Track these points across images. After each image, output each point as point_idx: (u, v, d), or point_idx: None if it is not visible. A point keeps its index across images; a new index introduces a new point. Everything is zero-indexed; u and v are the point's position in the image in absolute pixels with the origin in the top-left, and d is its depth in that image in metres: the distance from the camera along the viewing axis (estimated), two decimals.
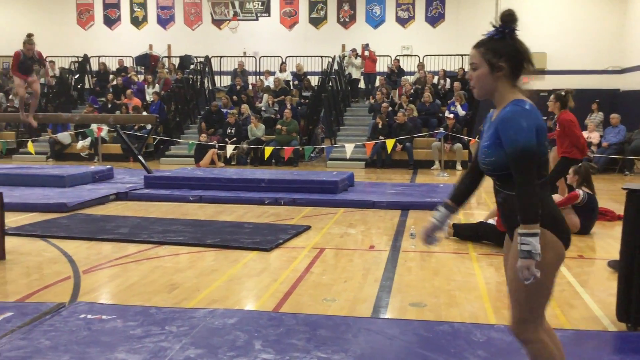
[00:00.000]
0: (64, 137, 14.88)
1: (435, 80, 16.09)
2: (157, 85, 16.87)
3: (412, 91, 15.41)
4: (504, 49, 2.20)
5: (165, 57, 19.46)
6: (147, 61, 18.78)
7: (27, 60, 9.38)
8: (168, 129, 15.29)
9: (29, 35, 9.24)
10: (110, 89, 16.90)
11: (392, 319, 3.93)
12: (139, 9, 20.91)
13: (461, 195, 2.54)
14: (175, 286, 4.63)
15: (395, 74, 16.83)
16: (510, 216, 2.27)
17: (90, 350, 3.15)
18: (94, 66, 19.13)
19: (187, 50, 19.08)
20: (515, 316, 2.29)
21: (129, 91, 16.29)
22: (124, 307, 3.90)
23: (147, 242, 6.01)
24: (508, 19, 2.21)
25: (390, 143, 12.48)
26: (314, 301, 4.28)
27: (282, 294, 4.44)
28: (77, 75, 18.48)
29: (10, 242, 5.73)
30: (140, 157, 10.85)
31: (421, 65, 16.54)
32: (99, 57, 19.13)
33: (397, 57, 17.47)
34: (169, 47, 19.93)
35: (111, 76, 18.16)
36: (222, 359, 3.11)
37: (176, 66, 18.67)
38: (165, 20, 20.65)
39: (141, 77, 17.86)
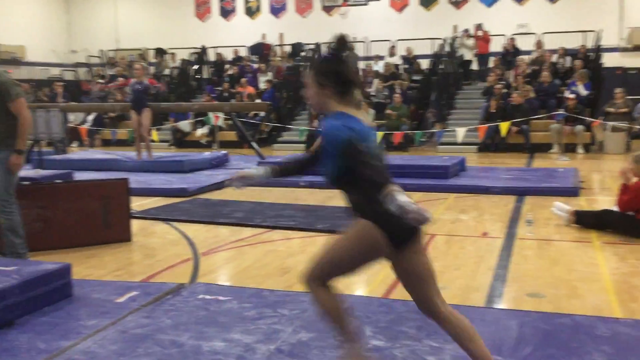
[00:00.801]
0: (185, 125, 15.63)
1: (554, 59, 15.26)
2: (269, 73, 17.26)
3: (528, 71, 14.71)
4: (330, 71, 2.48)
5: (277, 45, 19.86)
6: (261, 50, 19.25)
7: (138, 93, 9.92)
8: (280, 115, 15.62)
9: (131, 62, 9.76)
10: (226, 78, 17.51)
11: (508, 309, 3.79)
12: (252, 0, 21.46)
13: (290, 170, 2.82)
14: (287, 270, 4.72)
15: (510, 54, 16.13)
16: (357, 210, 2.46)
17: (208, 329, 3.29)
18: (211, 57, 19.91)
19: (299, 37, 19.35)
20: (310, 267, 2.53)
21: (243, 80, 16.80)
22: (239, 289, 4.04)
23: (260, 226, 6.19)
24: (340, 45, 2.60)
25: (504, 126, 12.01)
26: None
27: (392, 280, 4.39)
28: (197, 66, 19.31)
29: (136, 224, 6.11)
30: (253, 144, 11.18)
31: (539, 44, 15.74)
32: (216, 47, 19.85)
33: (513, 36, 16.73)
34: (281, 35, 20.30)
35: (227, 66, 18.80)
36: (333, 343, 3.13)
37: (288, 54, 19.00)
38: (277, 9, 21.04)
39: (255, 66, 18.36)
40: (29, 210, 5.17)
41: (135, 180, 8.59)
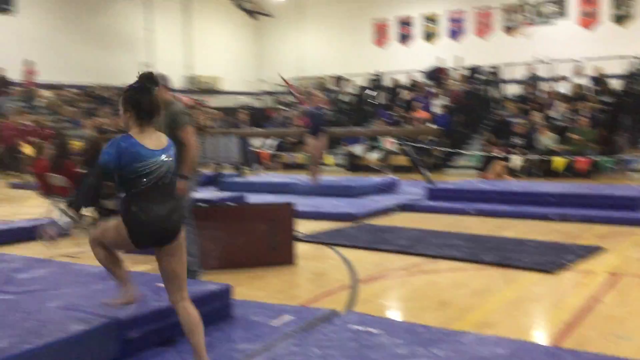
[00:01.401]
0: (358, 149, 15.89)
1: None
2: (444, 97, 16.97)
3: None
4: (131, 99, 2.99)
5: (454, 68, 19.51)
6: (436, 74, 19.04)
7: (315, 118, 10.23)
8: (454, 140, 15.25)
9: (308, 90, 10.04)
10: (401, 103, 17.53)
11: None
12: (431, 24, 21.36)
13: (88, 199, 3.56)
14: (446, 304, 4.50)
15: None
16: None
17: None
18: (387, 82, 20.11)
19: (477, 60, 18.83)
20: (95, 231, 3.26)
21: (417, 104, 16.69)
22: (392, 322, 3.91)
23: (423, 255, 6.00)
24: (144, 78, 3.12)
25: None
26: (602, 337, 3.75)
27: (564, 324, 3.98)
28: (373, 92, 19.61)
29: (301, 248, 6.24)
30: (422, 169, 10.98)
31: None
32: (391, 73, 20.02)
33: None
34: (459, 58, 19.94)
35: (401, 91, 18.84)
36: None
37: (465, 77, 18.56)
38: (456, 33, 20.73)
39: (430, 90, 18.18)
40: (203, 231, 5.51)
41: (306, 203, 8.88)
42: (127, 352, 3.23)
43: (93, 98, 20.26)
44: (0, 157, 15.22)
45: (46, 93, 19.48)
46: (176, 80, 23.66)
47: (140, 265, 5.65)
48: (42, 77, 18.59)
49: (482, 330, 3.84)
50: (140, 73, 3.19)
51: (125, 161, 2.88)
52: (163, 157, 2.99)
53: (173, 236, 3.03)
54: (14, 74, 17.76)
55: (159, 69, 22.76)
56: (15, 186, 10.47)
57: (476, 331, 3.79)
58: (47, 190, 7.84)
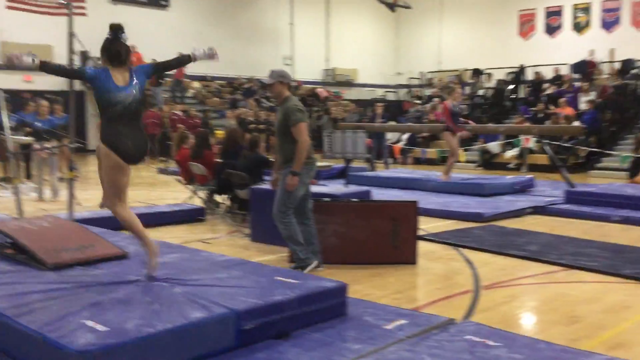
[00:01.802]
0: (493, 146, 15.31)
1: None
2: (592, 93, 15.86)
3: None
4: (103, 47, 3.93)
5: (605, 62, 18.15)
6: (584, 68, 17.85)
7: (455, 114, 9.95)
8: (601, 139, 14.20)
9: (447, 84, 9.76)
10: (543, 98, 16.63)
11: None
12: (582, 14, 20.07)
13: (51, 70, 3.94)
14: (575, 319, 4.20)
15: None
16: None
17: None
18: (529, 76, 19.16)
19: (632, 53, 17.40)
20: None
21: (561, 100, 15.75)
22: (512, 335, 3.71)
23: (555, 263, 5.65)
24: (113, 30, 3.94)
25: None
26: None
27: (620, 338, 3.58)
28: (513, 86, 18.79)
29: (424, 247, 6.14)
30: (562, 170, 10.33)
31: None
32: (535, 66, 19.05)
33: None
34: (611, 51, 18.51)
35: (545, 85, 17.87)
36: None
37: (617, 71, 17.22)
38: (609, 23, 19.32)
39: (577, 85, 17.08)
40: (326, 226, 5.59)
41: (434, 201, 8.72)
42: (242, 342, 3.35)
43: (237, 89, 21.27)
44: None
45: (195, 84, 20.76)
46: (315, 72, 24.21)
47: (265, 255, 5.86)
48: (191, 69, 19.80)
49: (614, 352, 3.54)
50: (110, 24, 3.98)
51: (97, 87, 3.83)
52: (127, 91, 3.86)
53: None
54: None
55: (298, 61, 23.47)
56: (162, 171, 11.26)
57: (606, 353, 3.50)
58: (188, 178, 8.36)
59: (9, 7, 13.40)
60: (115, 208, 3.95)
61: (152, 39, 18.54)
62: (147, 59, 18.56)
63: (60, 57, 11.06)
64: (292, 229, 5.14)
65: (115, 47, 3.88)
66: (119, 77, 3.84)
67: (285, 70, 5.50)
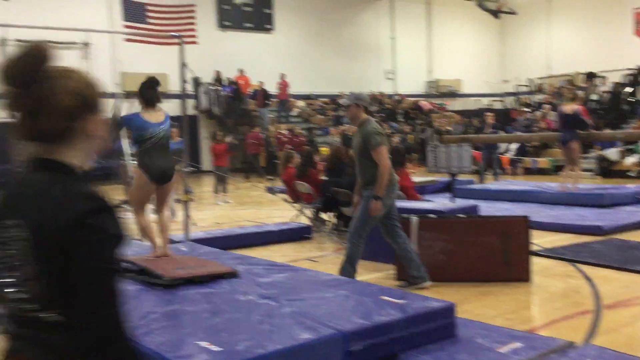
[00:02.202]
0: (612, 153, 14.42)
1: None
2: None
3: None
4: (139, 91, 5.11)
5: None
6: None
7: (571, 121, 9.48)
8: None
9: (560, 89, 9.26)
10: None
11: None
12: None
13: None
14: None
15: None
16: None
17: None
18: None
19: None
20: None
21: None
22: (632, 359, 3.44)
23: None
24: (148, 80, 5.08)
25: None
26: None
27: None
28: (631, 89, 17.66)
29: (538, 263, 5.86)
30: None
31: None
32: None
33: None
34: None
35: None
36: None
37: None
38: None
39: None
40: (434, 242, 5.48)
41: (547, 214, 8.34)
42: None
43: (340, 106, 21.50)
44: (252, 163, 16.96)
45: (299, 103, 21.22)
46: (417, 85, 24.01)
47: (371, 272, 5.84)
48: (296, 89, 20.26)
49: None
50: (148, 77, 5.02)
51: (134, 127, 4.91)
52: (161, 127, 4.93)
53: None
54: (272, 87, 19.64)
55: (400, 74, 23.38)
56: (269, 190, 11.55)
57: None
58: (295, 197, 8.51)
59: (128, 40, 14.34)
60: (137, 215, 5.12)
61: (259, 62, 19.13)
62: (254, 81, 19.26)
63: (175, 84, 11.68)
64: (357, 250, 5.13)
65: (149, 94, 4.99)
66: (152, 115, 4.93)
67: (364, 93, 5.53)
